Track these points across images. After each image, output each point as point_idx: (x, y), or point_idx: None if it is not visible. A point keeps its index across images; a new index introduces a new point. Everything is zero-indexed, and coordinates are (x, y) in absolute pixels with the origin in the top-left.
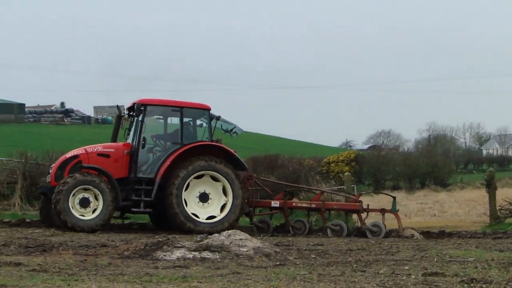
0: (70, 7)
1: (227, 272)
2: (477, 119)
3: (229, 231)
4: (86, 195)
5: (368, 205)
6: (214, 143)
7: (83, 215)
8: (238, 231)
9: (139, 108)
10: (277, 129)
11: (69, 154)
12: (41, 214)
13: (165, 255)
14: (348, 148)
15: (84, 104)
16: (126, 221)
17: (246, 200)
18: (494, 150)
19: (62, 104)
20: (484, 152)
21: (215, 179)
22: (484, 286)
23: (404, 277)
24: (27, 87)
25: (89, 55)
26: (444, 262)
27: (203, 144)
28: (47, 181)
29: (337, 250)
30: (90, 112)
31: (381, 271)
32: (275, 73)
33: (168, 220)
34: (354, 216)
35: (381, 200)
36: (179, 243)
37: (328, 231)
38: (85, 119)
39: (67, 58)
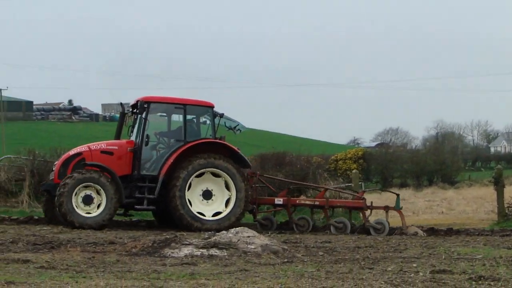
0: (79, 6)
1: (235, 269)
2: (485, 117)
3: (237, 228)
4: (88, 192)
5: (371, 202)
6: (217, 141)
7: (88, 213)
8: (246, 229)
9: (143, 106)
10: (285, 126)
11: (72, 152)
12: (45, 212)
13: (173, 252)
14: (356, 146)
15: (92, 102)
16: (134, 219)
17: (250, 192)
18: (502, 148)
19: (70, 101)
20: (492, 149)
21: (216, 175)
22: (492, 283)
23: (412, 275)
24: (35, 84)
25: (96, 53)
26: (452, 260)
27: (207, 142)
28: (51, 178)
29: (345, 247)
30: (98, 109)
31: (389, 269)
32: (283, 71)
33: (174, 221)
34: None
35: (389, 197)
36: (186, 241)
37: (332, 228)
38: (93, 117)
39: (75, 56)
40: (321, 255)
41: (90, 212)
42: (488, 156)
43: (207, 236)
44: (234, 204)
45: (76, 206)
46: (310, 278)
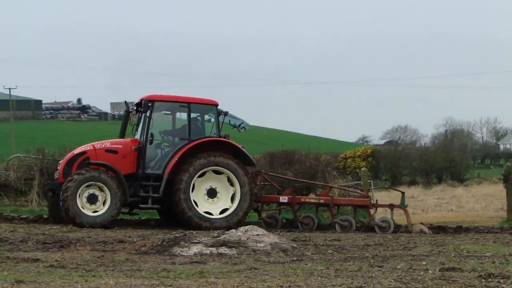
0: (88, 4)
1: (244, 268)
2: (494, 114)
3: (246, 226)
4: (91, 191)
5: (376, 200)
6: (221, 139)
7: (95, 211)
8: (255, 227)
9: (147, 104)
10: (294, 124)
11: (77, 151)
12: (50, 210)
13: (182, 251)
14: (365, 144)
15: (100, 100)
16: (143, 217)
17: (254, 185)
18: (511, 145)
19: (79, 100)
20: (501, 147)
21: (218, 172)
22: (501, 281)
23: (422, 272)
24: (44, 84)
25: (105, 52)
26: (461, 257)
27: (211, 140)
28: (55, 177)
29: (354, 245)
30: (106, 108)
31: (399, 266)
32: (292, 69)
33: (183, 224)
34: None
35: (398, 195)
36: (196, 239)
37: (337, 226)
38: (102, 115)
39: (84, 55)
40: (330, 253)
41: (97, 210)
42: (497, 154)
43: (216, 234)
44: (240, 199)
45: (82, 207)
46: (319, 276)
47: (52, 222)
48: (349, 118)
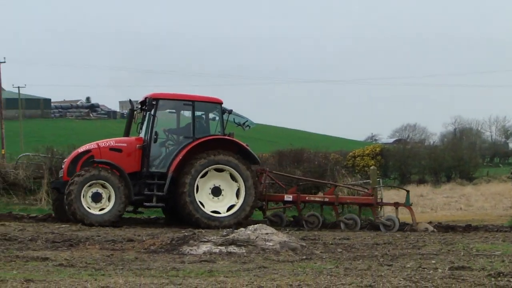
0: (97, 3)
1: (253, 267)
2: (503, 112)
3: (255, 225)
4: (94, 189)
5: (381, 199)
6: (226, 137)
7: (102, 209)
8: (264, 226)
9: (151, 102)
10: (303, 123)
11: (81, 149)
12: (54, 209)
13: (191, 250)
14: (374, 142)
15: (109, 99)
16: (152, 216)
17: (257, 178)
18: None
19: (88, 99)
20: (510, 145)
21: (219, 170)
22: (511, 279)
23: (431, 271)
24: (53, 82)
25: (114, 50)
26: (471, 256)
27: (215, 138)
28: (60, 176)
29: (364, 244)
30: (115, 106)
31: (408, 265)
32: (300, 67)
33: (192, 226)
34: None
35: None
36: (205, 238)
37: (342, 225)
38: (111, 114)
39: (93, 53)
40: (339, 252)
41: (104, 207)
42: (506, 152)
43: (225, 233)
44: (245, 193)
45: (89, 208)
46: (328, 275)
47: (57, 220)
48: (358, 116)
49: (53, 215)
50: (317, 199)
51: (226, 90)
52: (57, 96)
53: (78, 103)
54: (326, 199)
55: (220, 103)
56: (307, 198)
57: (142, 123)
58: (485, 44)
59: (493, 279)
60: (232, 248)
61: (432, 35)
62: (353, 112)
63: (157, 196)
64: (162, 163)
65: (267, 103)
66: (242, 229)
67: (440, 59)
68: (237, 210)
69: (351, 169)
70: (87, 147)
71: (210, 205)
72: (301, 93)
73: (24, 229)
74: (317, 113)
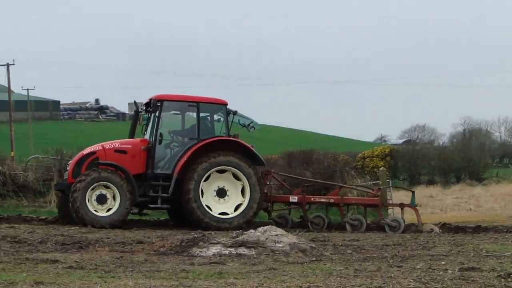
0: (106, 4)
1: (263, 268)
2: None
3: (265, 227)
4: (98, 191)
5: (390, 200)
6: (231, 138)
7: (110, 209)
8: (274, 227)
9: (156, 104)
10: (312, 124)
11: (86, 151)
12: (59, 211)
13: (201, 252)
14: (383, 143)
15: (118, 101)
16: (161, 218)
17: (262, 179)
18: None
19: (97, 101)
20: None
21: (221, 171)
22: None
23: (441, 272)
24: (62, 84)
25: (123, 52)
26: (480, 257)
27: (220, 139)
28: (65, 178)
29: (373, 245)
30: (124, 108)
31: (418, 266)
32: (310, 68)
33: (202, 229)
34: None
35: (417, 194)
36: (215, 239)
37: (347, 226)
38: (120, 116)
39: (102, 55)
40: (349, 253)
41: (110, 207)
42: None
43: (235, 235)
44: (250, 191)
45: (96, 211)
46: (338, 276)
47: (67, 222)
48: (367, 117)
49: (58, 216)
50: (322, 200)
51: (236, 91)
52: (66, 98)
53: (87, 105)
54: (331, 200)
55: (225, 104)
56: (312, 199)
57: (147, 125)
58: (495, 45)
59: (503, 280)
60: (242, 250)
61: (442, 35)
62: (363, 113)
63: (162, 198)
64: (167, 165)
65: (276, 104)
66: (252, 230)
67: (449, 60)
68: (245, 209)
69: (361, 170)
70: (92, 149)
71: (217, 207)
72: (310, 94)
73: (34, 231)
74: (326, 114)
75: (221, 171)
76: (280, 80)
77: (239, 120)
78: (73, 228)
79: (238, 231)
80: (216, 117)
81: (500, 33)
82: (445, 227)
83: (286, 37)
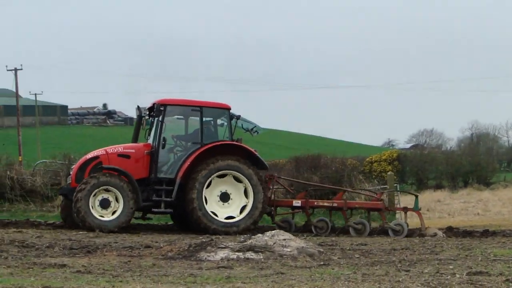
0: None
1: (271, 273)
2: None
3: (273, 231)
4: (100, 197)
5: (398, 204)
6: (234, 142)
7: (103, 216)
8: (282, 231)
9: (159, 108)
10: (320, 129)
11: (90, 155)
12: (62, 216)
13: (209, 256)
14: (391, 147)
15: (126, 105)
16: (169, 222)
17: (266, 184)
18: None
19: (105, 105)
20: None
21: (222, 176)
22: None
23: (449, 277)
24: (70, 89)
25: (130, 57)
26: (488, 261)
27: (224, 144)
28: (68, 182)
29: (381, 249)
30: (132, 113)
31: (426, 271)
32: (317, 73)
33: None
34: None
35: (424, 199)
36: (222, 244)
37: (351, 230)
38: (128, 120)
39: (110, 59)
40: (357, 257)
41: (115, 210)
42: None
43: (242, 239)
44: (253, 191)
45: (102, 216)
46: (346, 281)
47: (75, 227)
48: (374, 122)
49: (62, 221)
50: (325, 204)
51: (243, 96)
52: (73, 103)
53: (95, 109)
54: (335, 204)
55: (228, 108)
56: (315, 204)
57: (150, 129)
58: (503, 49)
59: (511, 284)
60: (250, 254)
61: (449, 39)
62: (370, 118)
63: (165, 202)
64: (170, 169)
65: (284, 109)
66: (260, 235)
67: (457, 64)
68: (250, 210)
69: (368, 175)
70: (95, 153)
71: (222, 212)
72: (318, 99)
73: (42, 236)
74: (334, 118)
75: (221, 176)
76: (287, 85)
77: (242, 124)
78: (80, 232)
79: (246, 236)
80: (219, 121)
81: (509, 37)
82: (453, 232)
83: (294, 40)
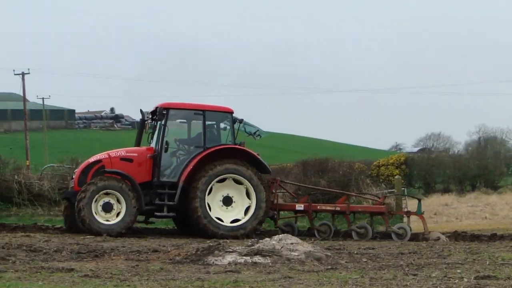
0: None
1: (278, 277)
2: None
3: (280, 235)
4: (101, 202)
5: (406, 208)
6: (237, 146)
7: (108, 220)
8: (289, 236)
9: (162, 112)
10: (327, 132)
11: (92, 159)
12: (65, 219)
13: (216, 260)
14: (398, 151)
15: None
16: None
17: (269, 187)
18: None
19: (112, 109)
20: None
21: (221, 180)
22: None
23: (457, 281)
24: (78, 93)
25: (137, 61)
26: (496, 265)
27: (226, 147)
28: (71, 186)
29: (389, 253)
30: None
31: (433, 275)
32: (324, 77)
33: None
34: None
35: (432, 202)
36: (230, 248)
37: (353, 234)
38: (135, 124)
39: (117, 63)
40: (364, 261)
41: (119, 211)
42: None
43: (250, 243)
44: (255, 192)
45: (107, 220)
46: (354, 285)
47: (67, 230)
48: (382, 126)
49: (64, 226)
50: (328, 208)
51: (251, 100)
52: (81, 107)
53: (102, 113)
54: (338, 208)
55: (231, 112)
56: (318, 207)
57: (153, 133)
58: (510, 52)
59: None
60: (257, 258)
61: (457, 43)
62: (378, 122)
63: (168, 206)
64: (173, 173)
65: (292, 113)
66: (267, 239)
67: (464, 67)
68: (255, 210)
69: (376, 179)
70: (98, 157)
71: (227, 216)
72: (326, 103)
73: (49, 240)
74: (342, 122)
75: (221, 180)
76: (295, 89)
77: (245, 128)
78: (88, 236)
79: (253, 240)
80: (222, 125)
81: None
82: (460, 236)
83: (302, 44)
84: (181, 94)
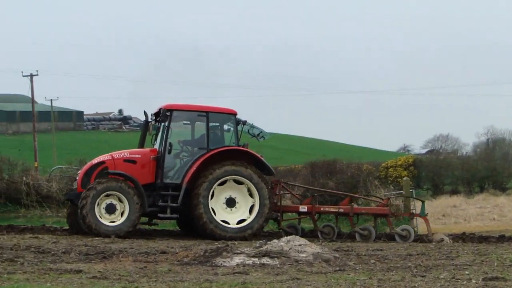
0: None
1: (286, 278)
2: None
3: (288, 237)
4: (103, 204)
5: (414, 210)
6: (240, 148)
7: (114, 221)
8: (297, 237)
9: (165, 114)
10: (335, 134)
11: (96, 161)
12: (68, 221)
13: (224, 262)
14: (406, 153)
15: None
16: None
17: (272, 189)
18: None
19: (120, 111)
20: None
21: (222, 183)
22: None
23: (465, 282)
24: (86, 94)
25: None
26: (504, 267)
27: (230, 149)
28: (74, 187)
29: (397, 255)
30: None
31: (441, 276)
32: (332, 78)
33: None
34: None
35: (440, 204)
36: (238, 249)
37: (357, 235)
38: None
39: (125, 65)
40: (372, 263)
41: (123, 210)
42: None
43: (258, 244)
44: (257, 191)
45: (113, 221)
46: (362, 286)
47: (70, 231)
48: (390, 127)
49: (68, 227)
50: (332, 210)
51: (259, 101)
52: (89, 108)
53: (110, 115)
54: (341, 210)
55: (235, 114)
56: (322, 209)
57: (157, 135)
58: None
59: None
60: (265, 260)
61: (465, 44)
62: (386, 123)
63: (171, 207)
64: (177, 175)
65: (300, 114)
66: (275, 240)
67: (472, 69)
68: (259, 208)
69: (384, 180)
70: (101, 158)
71: (233, 217)
72: (334, 104)
73: (58, 241)
74: (350, 124)
75: (222, 183)
76: (303, 90)
77: (248, 129)
78: (96, 238)
79: (261, 241)
80: (225, 126)
81: None
82: (468, 237)
83: (302, 44)
84: (186, 96)
